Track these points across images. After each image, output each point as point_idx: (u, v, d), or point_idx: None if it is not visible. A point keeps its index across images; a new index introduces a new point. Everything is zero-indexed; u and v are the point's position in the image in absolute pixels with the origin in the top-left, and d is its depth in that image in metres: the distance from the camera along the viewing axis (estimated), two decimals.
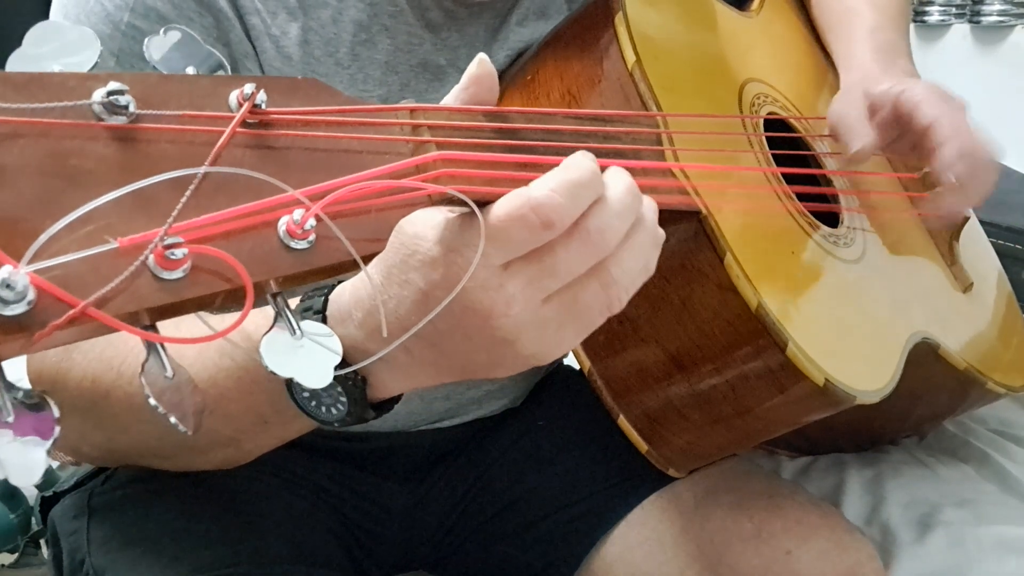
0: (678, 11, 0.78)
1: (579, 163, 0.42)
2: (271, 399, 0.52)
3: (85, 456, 0.69)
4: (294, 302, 0.50)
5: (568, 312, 0.44)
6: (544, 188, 0.40)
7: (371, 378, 0.48)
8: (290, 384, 0.49)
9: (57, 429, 0.29)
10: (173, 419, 0.32)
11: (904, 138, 0.78)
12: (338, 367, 0.40)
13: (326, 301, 0.48)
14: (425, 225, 0.43)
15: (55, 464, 0.96)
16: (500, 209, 0.40)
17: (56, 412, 0.30)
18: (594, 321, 0.45)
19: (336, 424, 0.50)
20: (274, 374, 0.35)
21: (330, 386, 0.48)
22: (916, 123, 0.75)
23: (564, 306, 0.44)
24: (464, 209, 0.41)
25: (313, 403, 0.50)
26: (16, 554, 1.37)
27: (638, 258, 0.45)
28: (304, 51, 0.64)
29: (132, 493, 0.71)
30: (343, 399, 0.48)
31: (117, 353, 0.56)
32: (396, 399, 0.50)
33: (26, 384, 0.30)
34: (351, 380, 0.48)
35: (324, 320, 0.48)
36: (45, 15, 0.64)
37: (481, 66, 0.44)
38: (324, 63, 0.65)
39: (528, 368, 0.45)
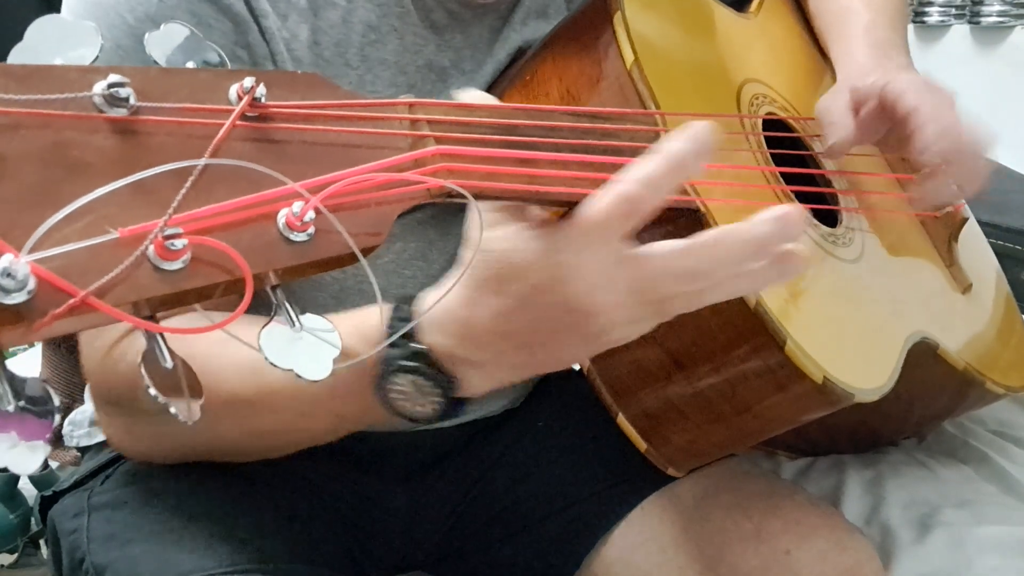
0: (676, 12, 0.78)
1: (664, 150, 0.44)
2: (361, 402, 0.55)
3: (152, 455, 0.71)
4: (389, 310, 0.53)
5: (656, 312, 0.48)
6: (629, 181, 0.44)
7: (462, 380, 0.51)
8: (383, 388, 0.52)
9: (58, 418, 0.30)
10: (173, 409, 0.32)
11: (893, 132, 0.78)
12: (439, 378, 0.50)
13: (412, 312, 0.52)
14: (514, 238, 0.47)
15: (55, 464, 0.96)
16: (594, 208, 0.44)
17: (57, 401, 0.30)
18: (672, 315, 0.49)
19: (424, 422, 0.53)
20: (275, 366, 0.35)
21: (427, 388, 0.51)
22: (899, 112, 0.76)
23: (654, 305, 0.48)
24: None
25: (405, 403, 0.52)
26: (15, 554, 1.37)
27: (736, 290, 0.49)
28: (314, 53, 0.64)
29: (132, 492, 0.71)
30: (438, 400, 0.52)
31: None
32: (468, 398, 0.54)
33: (27, 373, 0.30)
34: (448, 381, 0.51)
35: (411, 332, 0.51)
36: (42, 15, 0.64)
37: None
38: (334, 64, 0.65)
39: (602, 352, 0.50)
